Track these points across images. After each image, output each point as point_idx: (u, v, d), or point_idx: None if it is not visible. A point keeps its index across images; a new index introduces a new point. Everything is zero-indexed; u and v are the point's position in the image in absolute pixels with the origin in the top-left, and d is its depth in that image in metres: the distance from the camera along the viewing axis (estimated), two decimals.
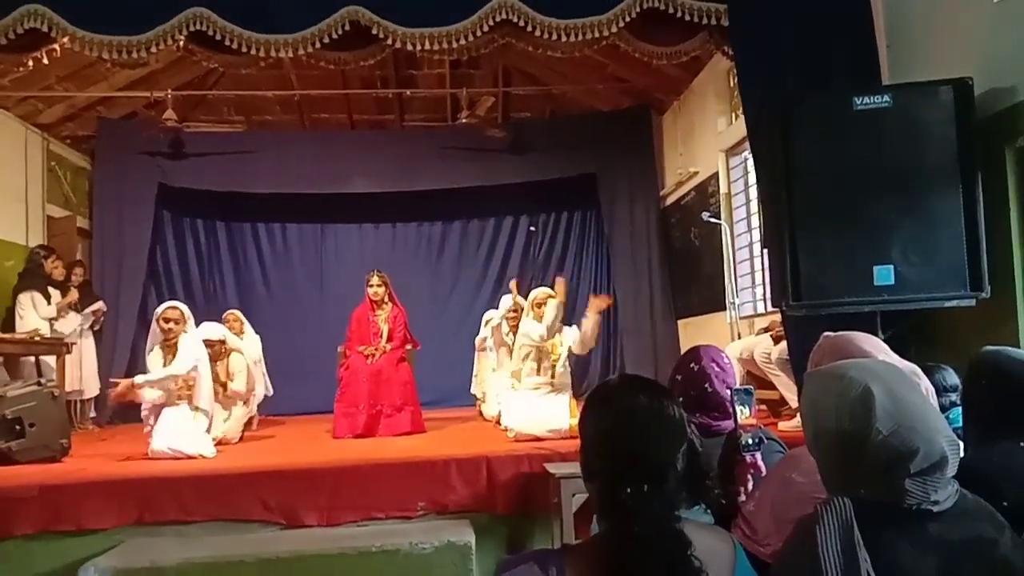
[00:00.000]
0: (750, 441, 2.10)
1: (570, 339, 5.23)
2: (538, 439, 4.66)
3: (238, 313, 7.08)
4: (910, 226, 3.44)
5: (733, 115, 7.17)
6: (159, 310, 4.81)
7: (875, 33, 4.12)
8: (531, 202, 9.21)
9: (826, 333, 2.06)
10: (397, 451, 4.63)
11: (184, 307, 4.86)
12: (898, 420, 1.33)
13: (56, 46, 4.56)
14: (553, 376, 5.20)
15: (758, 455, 2.10)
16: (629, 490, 1.23)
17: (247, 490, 3.87)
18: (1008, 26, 3.46)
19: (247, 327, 6.99)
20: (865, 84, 3.93)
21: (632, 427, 1.30)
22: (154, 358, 4.78)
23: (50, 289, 6.81)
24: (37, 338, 6.29)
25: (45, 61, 4.79)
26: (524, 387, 5.23)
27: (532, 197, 9.05)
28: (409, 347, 6.22)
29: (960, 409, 2.36)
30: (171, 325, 4.71)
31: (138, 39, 4.36)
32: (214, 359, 5.31)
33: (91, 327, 7.30)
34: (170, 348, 4.74)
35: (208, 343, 5.29)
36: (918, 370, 1.87)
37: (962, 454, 1.99)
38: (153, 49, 4.44)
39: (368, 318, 6.09)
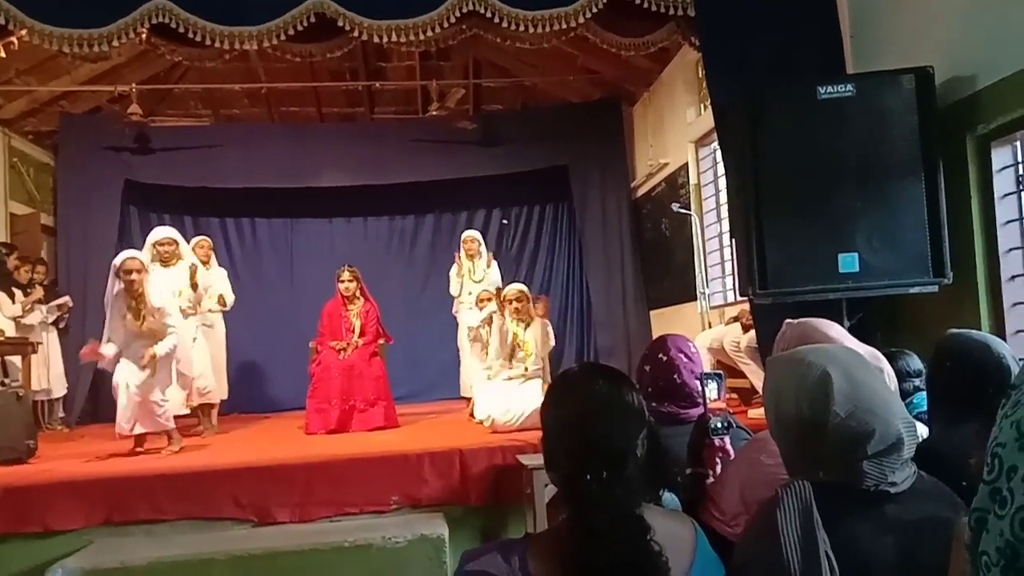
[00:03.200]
0: (719, 425, 2.11)
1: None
2: (512, 428, 4.68)
3: (208, 240, 6.71)
4: (874, 214, 3.48)
5: (702, 106, 7.20)
6: (118, 261, 4.65)
7: (839, 22, 4.17)
8: (503, 194, 9.18)
9: (788, 320, 2.08)
10: (370, 446, 4.61)
11: (143, 256, 4.83)
12: (855, 402, 1.34)
13: (14, 39, 4.47)
14: (526, 369, 5.31)
15: (727, 439, 2.12)
16: (589, 477, 1.24)
17: (218, 487, 3.84)
18: (969, 15, 3.50)
19: (213, 259, 6.63)
20: (831, 74, 3.96)
21: (591, 414, 1.31)
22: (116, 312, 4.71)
23: (14, 289, 6.68)
24: (1, 339, 6.17)
25: (3, 54, 4.69)
26: (498, 379, 5.33)
27: (504, 189, 9.02)
28: (382, 342, 6.19)
29: (924, 394, 2.41)
30: (133, 276, 4.58)
31: (99, 32, 4.29)
32: (168, 260, 5.52)
33: (55, 323, 7.17)
34: (134, 299, 4.65)
35: (160, 244, 5.54)
36: (879, 355, 1.89)
37: (925, 435, 2.03)
38: (115, 43, 4.36)
39: (340, 313, 6.06)
